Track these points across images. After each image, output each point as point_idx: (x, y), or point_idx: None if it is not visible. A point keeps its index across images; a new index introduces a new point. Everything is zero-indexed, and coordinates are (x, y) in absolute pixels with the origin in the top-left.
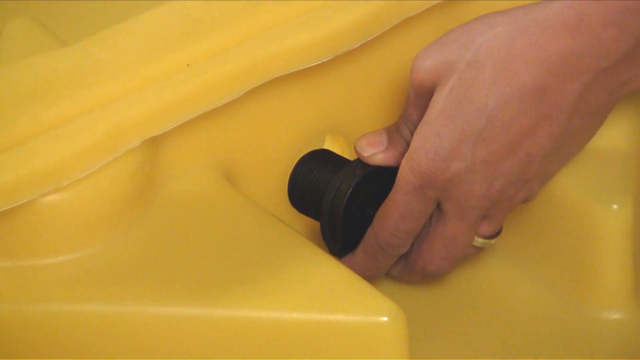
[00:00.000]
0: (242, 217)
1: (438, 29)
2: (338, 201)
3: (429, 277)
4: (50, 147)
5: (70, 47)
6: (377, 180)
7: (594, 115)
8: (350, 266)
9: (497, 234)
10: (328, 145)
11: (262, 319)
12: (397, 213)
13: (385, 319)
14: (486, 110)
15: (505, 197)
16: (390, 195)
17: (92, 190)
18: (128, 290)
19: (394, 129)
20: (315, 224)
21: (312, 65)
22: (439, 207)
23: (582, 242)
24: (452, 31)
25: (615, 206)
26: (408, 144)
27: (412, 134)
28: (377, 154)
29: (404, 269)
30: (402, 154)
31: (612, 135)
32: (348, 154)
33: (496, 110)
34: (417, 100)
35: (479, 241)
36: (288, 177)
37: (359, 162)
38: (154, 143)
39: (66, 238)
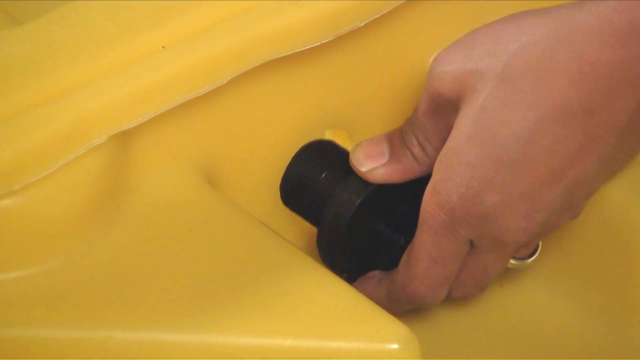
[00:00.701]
0: (227, 226)
1: (455, 7)
2: (337, 242)
3: (457, 300)
4: (0, 144)
5: (25, 26)
6: (384, 197)
7: None
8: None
9: (533, 253)
10: None
11: (252, 347)
12: (426, 257)
13: (395, 346)
14: (524, 135)
15: (546, 227)
16: (416, 237)
17: (49, 194)
18: (92, 312)
19: (398, 136)
20: (312, 235)
21: (309, 47)
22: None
23: (626, 257)
24: (477, 32)
25: None
26: (414, 157)
27: (420, 144)
28: (377, 168)
29: None
30: (408, 169)
31: None
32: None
33: (536, 135)
34: (432, 108)
35: (512, 263)
36: (280, 180)
37: (359, 183)
38: (124, 139)
39: (19, 251)
